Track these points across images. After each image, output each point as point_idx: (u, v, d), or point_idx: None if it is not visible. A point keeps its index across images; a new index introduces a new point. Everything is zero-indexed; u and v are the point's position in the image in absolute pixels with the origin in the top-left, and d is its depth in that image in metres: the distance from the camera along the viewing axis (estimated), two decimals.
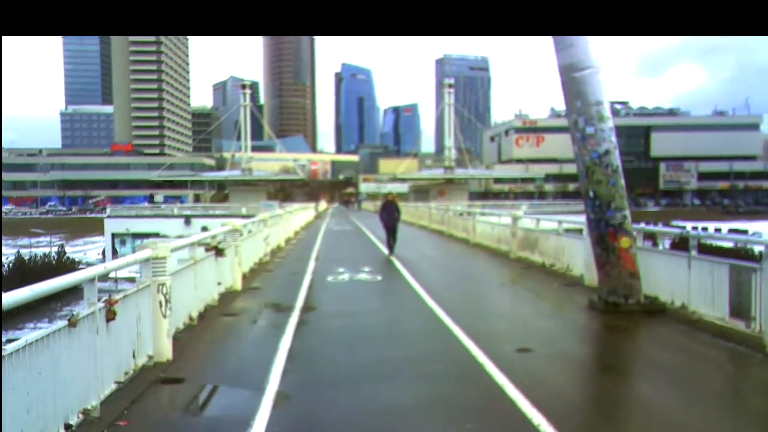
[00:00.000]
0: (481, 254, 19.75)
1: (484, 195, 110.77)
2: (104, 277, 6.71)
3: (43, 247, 57.65)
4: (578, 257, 13.41)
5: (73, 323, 4.90)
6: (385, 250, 19.58)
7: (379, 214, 19.64)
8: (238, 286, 12.50)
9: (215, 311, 10.11)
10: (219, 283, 10.87)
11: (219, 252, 10.70)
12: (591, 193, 10.13)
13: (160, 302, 7.05)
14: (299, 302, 11.15)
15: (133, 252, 7.27)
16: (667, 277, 9.89)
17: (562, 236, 14.61)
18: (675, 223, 73.38)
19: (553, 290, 12.40)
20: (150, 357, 6.87)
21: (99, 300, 5.44)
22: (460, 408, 5.65)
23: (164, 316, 7.08)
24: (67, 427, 4.81)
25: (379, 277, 14.34)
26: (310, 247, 22.95)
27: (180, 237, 13.16)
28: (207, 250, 10.60)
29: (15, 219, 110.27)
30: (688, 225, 55.08)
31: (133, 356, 6.43)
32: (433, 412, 5.57)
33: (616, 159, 10.11)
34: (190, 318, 8.84)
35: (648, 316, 9.53)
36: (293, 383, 6.33)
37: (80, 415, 5.04)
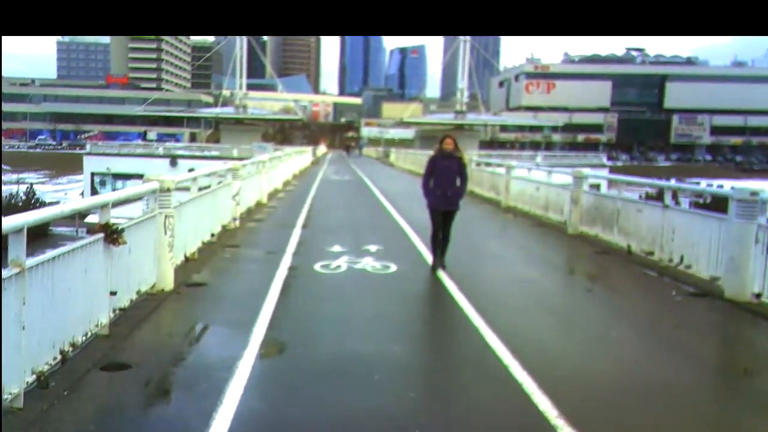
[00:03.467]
0: (523, 225, 14.89)
1: (490, 144, 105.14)
2: None
3: (12, 185, 52.91)
4: (705, 247, 8.55)
5: None
6: (419, 244, 11.19)
7: (424, 179, 9.41)
8: (168, 283, 7.67)
9: (90, 355, 5.31)
10: (113, 293, 6.00)
11: (112, 235, 5.81)
12: None
13: None
14: (260, 327, 6.32)
15: None
16: None
17: (671, 209, 9.68)
18: (691, 180, 68.67)
19: (683, 308, 7.58)
20: None
21: None
22: None
23: None
24: None
25: (392, 266, 9.48)
26: (300, 204, 18.04)
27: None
28: (91, 231, 5.75)
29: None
30: (703, 182, 50.54)
31: None
32: None
33: None
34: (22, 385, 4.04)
35: None
36: None
37: None
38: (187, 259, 9.07)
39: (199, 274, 8.72)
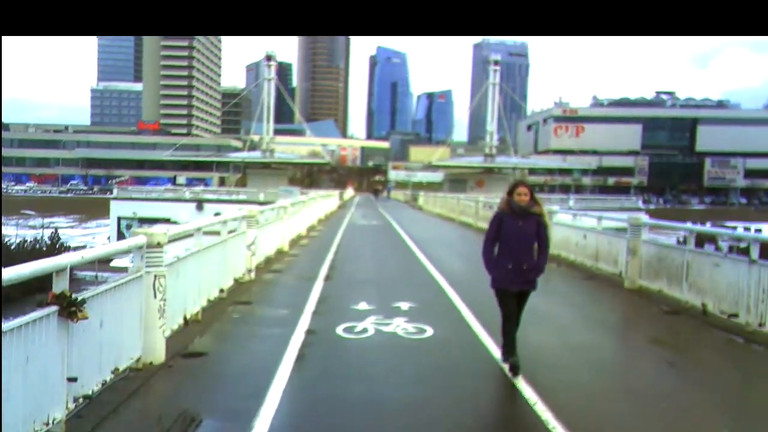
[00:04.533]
0: (570, 276, 13.33)
1: None
2: None
3: (38, 229, 52.50)
4: None
5: None
6: (456, 299, 10.09)
7: (486, 245, 6.44)
8: (158, 355, 6.31)
9: None
10: (72, 379, 4.64)
11: (69, 308, 4.48)
12: None
13: None
14: (263, 421, 4.94)
15: None
16: None
17: (759, 264, 8.10)
18: (728, 224, 66.02)
19: None
20: None
21: None
22: None
23: None
24: None
25: (428, 330, 8.05)
26: (324, 252, 16.71)
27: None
28: (40, 305, 4.43)
29: (32, 197, 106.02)
30: (740, 227, 48.12)
31: None
32: None
33: None
34: None
35: None
36: None
37: None
38: (186, 322, 7.73)
39: (200, 340, 7.37)
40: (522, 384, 5.90)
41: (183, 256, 7.43)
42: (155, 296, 6.24)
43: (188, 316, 7.80)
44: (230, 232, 10.48)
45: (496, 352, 6.95)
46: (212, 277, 9.09)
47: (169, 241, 6.73)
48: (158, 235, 6.20)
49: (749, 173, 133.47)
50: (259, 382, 5.84)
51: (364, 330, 8.04)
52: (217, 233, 9.79)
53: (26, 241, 42.64)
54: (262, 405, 5.25)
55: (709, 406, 5.64)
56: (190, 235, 8.27)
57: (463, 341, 7.68)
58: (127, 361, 5.87)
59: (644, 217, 11.78)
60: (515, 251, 6.24)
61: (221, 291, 9.64)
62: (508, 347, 6.32)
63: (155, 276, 6.23)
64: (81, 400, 4.91)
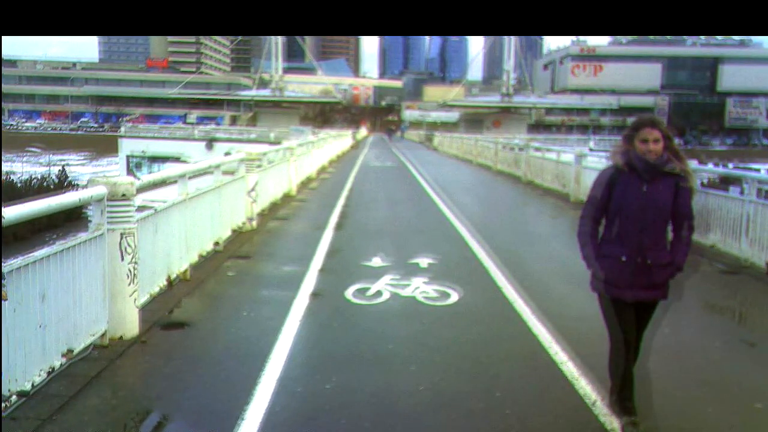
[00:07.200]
0: None
1: (536, 127, 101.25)
2: None
3: (45, 166, 51.60)
4: None
5: None
6: (482, 255, 8.86)
7: (585, 224, 4.05)
8: (130, 328, 5.18)
9: None
10: None
11: None
12: None
13: None
14: (249, 428, 3.85)
15: None
16: None
17: None
18: (752, 165, 63.93)
19: None
20: None
21: None
22: None
23: None
24: None
25: (452, 294, 6.87)
26: (335, 197, 15.50)
27: None
28: None
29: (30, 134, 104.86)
30: (763, 168, 46.29)
31: None
32: None
33: None
34: None
35: None
36: None
37: None
38: (171, 283, 6.61)
39: (186, 306, 6.27)
40: (571, 368, 4.76)
41: (162, 208, 6.24)
42: (122, 258, 5.09)
43: (173, 276, 6.67)
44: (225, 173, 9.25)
45: (535, 326, 5.81)
46: (204, 230, 7.92)
47: (152, 188, 5.57)
48: (123, 184, 4.99)
49: None
50: (248, 369, 4.74)
51: (378, 293, 6.89)
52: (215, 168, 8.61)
53: (33, 178, 41.74)
54: (249, 404, 4.14)
55: None
56: (174, 182, 7.06)
57: (492, 310, 6.51)
58: (86, 338, 4.76)
59: (693, 163, 10.45)
60: (634, 234, 3.85)
61: (216, 244, 8.50)
62: (622, 393, 3.96)
63: (122, 234, 5.06)
64: (14, 398, 3.82)
